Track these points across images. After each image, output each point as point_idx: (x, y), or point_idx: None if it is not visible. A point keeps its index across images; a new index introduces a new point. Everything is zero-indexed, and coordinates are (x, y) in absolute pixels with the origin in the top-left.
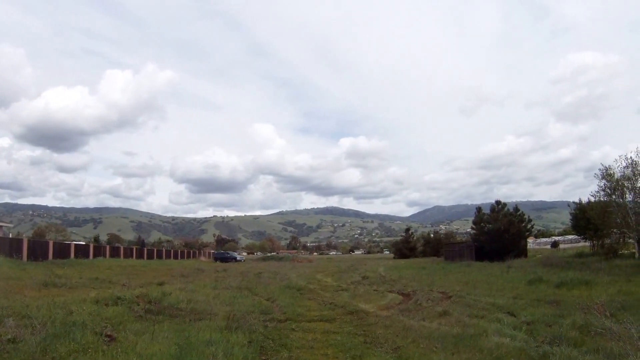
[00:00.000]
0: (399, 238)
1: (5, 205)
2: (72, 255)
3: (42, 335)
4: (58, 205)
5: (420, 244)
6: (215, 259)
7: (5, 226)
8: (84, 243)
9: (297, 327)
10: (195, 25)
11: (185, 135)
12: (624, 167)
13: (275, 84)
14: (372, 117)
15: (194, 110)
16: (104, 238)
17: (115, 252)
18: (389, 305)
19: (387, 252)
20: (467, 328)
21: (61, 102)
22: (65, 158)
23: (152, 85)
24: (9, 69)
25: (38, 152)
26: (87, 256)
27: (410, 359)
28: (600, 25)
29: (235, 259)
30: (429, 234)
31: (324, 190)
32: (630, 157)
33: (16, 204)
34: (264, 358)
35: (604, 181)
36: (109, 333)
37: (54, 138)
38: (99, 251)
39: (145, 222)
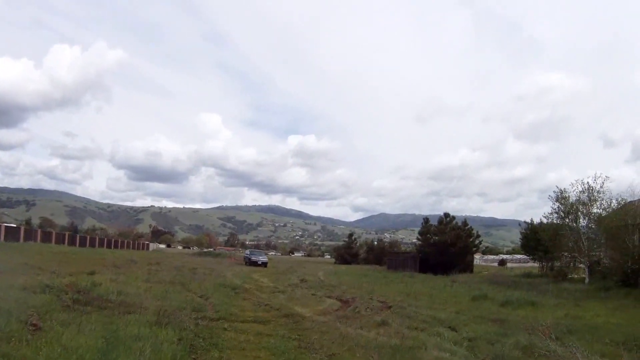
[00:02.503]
0: (341, 243)
1: None
2: (2, 237)
3: None
4: None
5: (363, 250)
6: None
7: None
8: (14, 225)
9: (229, 327)
10: (152, 5)
11: (130, 119)
12: (580, 192)
13: (228, 75)
14: (325, 116)
15: (141, 94)
16: (36, 222)
17: (47, 237)
18: (327, 311)
19: (328, 257)
20: (406, 340)
21: (4, 73)
22: (2, 134)
23: (100, 64)
24: None
25: None
26: (18, 239)
27: None
28: (569, 47)
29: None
30: (372, 241)
31: (267, 187)
32: (587, 183)
33: None
34: (193, 357)
35: (558, 204)
36: (34, 322)
37: None
38: (30, 235)
39: (80, 208)
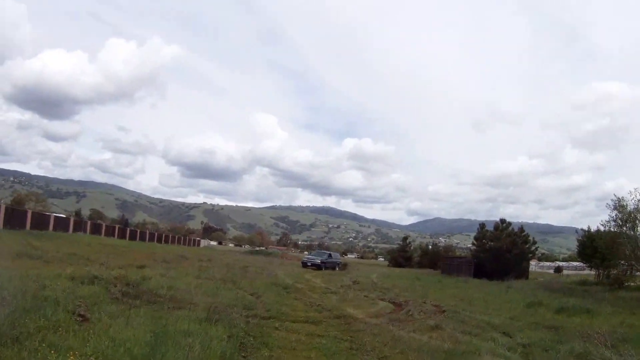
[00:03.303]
0: (395, 246)
1: None
2: (51, 227)
3: (11, 307)
4: (41, 174)
5: (417, 254)
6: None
7: None
8: (64, 216)
9: (280, 326)
10: (209, 1)
11: (183, 116)
12: (638, 200)
13: (284, 74)
14: (381, 120)
15: (196, 91)
16: (86, 213)
17: (96, 229)
18: (379, 313)
19: (382, 259)
20: (460, 344)
21: (58, 65)
22: (55, 125)
23: (155, 60)
24: (7, 25)
25: (27, 115)
26: (67, 230)
27: None
28: (630, 56)
29: (338, 264)
30: (427, 245)
31: (321, 189)
32: None
33: None
34: (243, 355)
35: (615, 212)
36: (82, 312)
37: (46, 103)
38: (79, 226)
39: (130, 201)
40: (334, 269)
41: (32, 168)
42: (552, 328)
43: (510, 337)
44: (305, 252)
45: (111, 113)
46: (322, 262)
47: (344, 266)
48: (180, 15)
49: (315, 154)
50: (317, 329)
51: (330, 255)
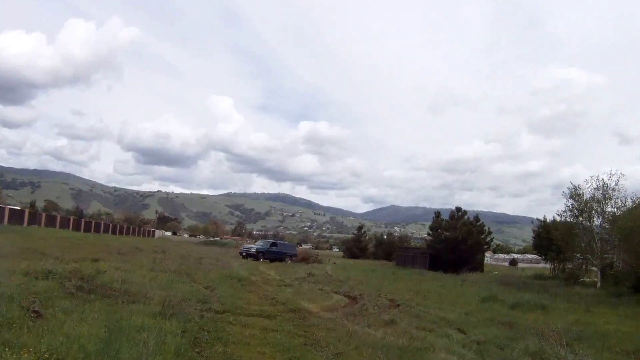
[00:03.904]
0: (350, 235)
1: None
2: (6, 220)
3: None
4: None
5: (372, 244)
6: (262, 254)
7: None
8: (19, 208)
9: (234, 320)
10: None
11: (140, 100)
12: (595, 189)
13: (242, 57)
14: (337, 103)
15: (153, 74)
16: (40, 204)
17: (51, 222)
18: (334, 307)
19: (337, 250)
20: (414, 341)
21: (16, 47)
22: (10, 111)
23: (113, 41)
24: None
25: None
26: (22, 223)
27: None
28: (587, 43)
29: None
30: (382, 235)
31: (276, 174)
32: (602, 179)
33: None
34: (197, 350)
35: (571, 201)
36: (36, 309)
37: (1, 87)
38: (34, 219)
39: (85, 191)
40: (281, 260)
41: None
42: (507, 324)
43: (465, 334)
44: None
45: (67, 97)
46: (258, 252)
47: (314, 259)
48: None
49: (271, 137)
50: (272, 323)
51: (274, 245)
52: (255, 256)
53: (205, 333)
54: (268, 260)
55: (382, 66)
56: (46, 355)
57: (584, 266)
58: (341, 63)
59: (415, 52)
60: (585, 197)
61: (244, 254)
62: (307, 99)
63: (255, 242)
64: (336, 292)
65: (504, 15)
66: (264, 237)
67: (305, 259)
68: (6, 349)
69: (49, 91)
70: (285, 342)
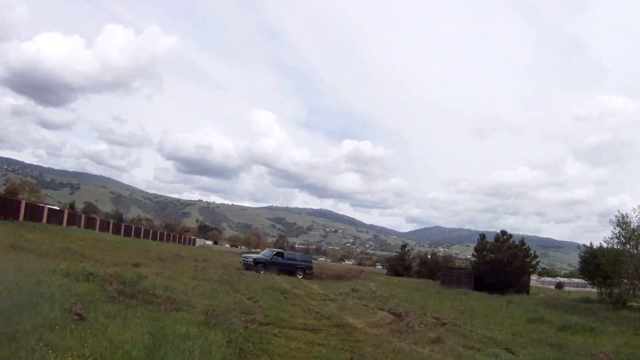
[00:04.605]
0: (393, 253)
1: None
2: (45, 219)
3: (6, 303)
4: (35, 163)
5: (416, 263)
6: (262, 265)
7: None
8: (58, 208)
9: (279, 332)
10: None
11: (180, 110)
12: None
13: (283, 72)
14: (380, 123)
15: (193, 85)
16: (80, 206)
17: (90, 224)
18: (379, 324)
19: (380, 267)
20: (461, 359)
21: (54, 50)
22: (50, 113)
23: (153, 50)
24: (2, 6)
25: (22, 101)
26: (61, 223)
27: None
28: (633, 71)
29: (307, 269)
30: (426, 254)
31: (319, 191)
32: None
33: None
34: None
35: (618, 229)
36: (78, 311)
37: (41, 88)
38: (73, 219)
39: (125, 196)
40: (289, 273)
41: (26, 156)
42: (555, 345)
43: (513, 354)
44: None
45: (107, 102)
46: (256, 262)
47: (354, 275)
48: (180, 6)
49: (313, 154)
50: (317, 337)
51: (279, 255)
52: (255, 267)
53: (250, 344)
54: (260, 272)
55: (427, 88)
56: (90, 359)
57: (631, 291)
58: (385, 83)
59: (460, 76)
60: (632, 226)
61: (242, 263)
62: (349, 117)
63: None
64: (381, 309)
65: (548, 39)
66: (307, 250)
67: (340, 276)
68: (50, 351)
69: (88, 95)
70: (332, 357)
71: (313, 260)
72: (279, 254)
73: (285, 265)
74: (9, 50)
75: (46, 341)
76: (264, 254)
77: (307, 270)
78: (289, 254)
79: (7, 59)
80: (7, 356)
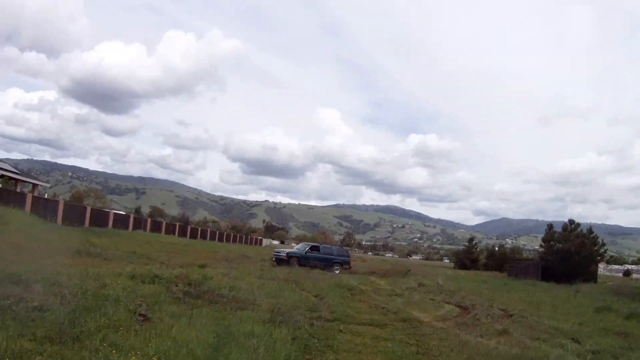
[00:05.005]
0: (461, 247)
1: (44, 163)
2: (110, 224)
3: (71, 306)
4: (100, 170)
5: (483, 256)
6: (296, 259)
7: (42, 185)
8: (123, 213)
9: (345, 328)
10: None
11: (244, 111)
12: None
13: (346, 69)
14: (446, 115)
15: (256, 86)
16: (145, 210)
17: (156, 227)
18: (445, 317)
19: (447, 261)
20: (528, 350)
21: (116, 58)
22: (113, 120)
23: (214, 53)
24: (63, 17)
25: (85, 110)
26: (126, 227)
27: None
28: None
29: (344, 263)
30: (493, 246)
31: (386, 187)
32: None
33: (55, 164)
34: (307, 357)
35: None
36: (143, 312)
37: (104, 97)
38: (139, 224)
39: (191, 199)
40: (326, 268)
41: (90, 163)
42: (622, 334)
43: (579, 344)
44: (369, 254)
45: (170, 107)
46: (289, 257)
47: (403, 272)
48: (239, 9)
49: (379, 150)
50: (383, 332)
51: (315, 248)
52: (287, 261)
53: (316, 341)
54: (294, 265)
55: (489, 77)
56: (154, 359)
57: None
58: (448, 74)
59: (522, 62)
60: None
61: (274, 258)
62: (414, 111)
63: (367, 253)
64: (447, 302)
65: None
66: (374, 247)
67: (385, 273)
68: (113, 351)
69: (151, 101)
70: (397, 351)
71: (351, 254)
72: (314, 248)
73: (321, 259)
74: (71, 61)
75: (110, 341)
76: (298, 247)
77: (344, 265)
78: (326, 248)
79: (69, 69)
80: (71, 356)
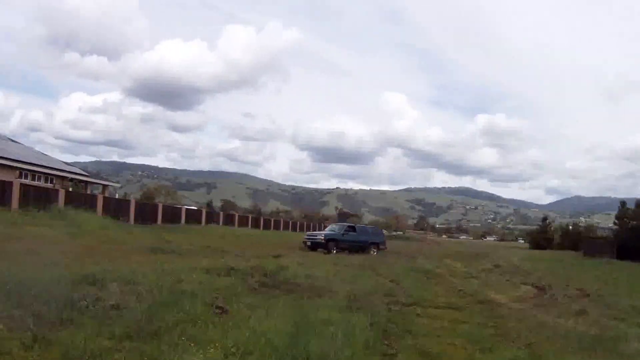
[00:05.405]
0: (534, 227)
1: (113, 164)
2: (183, 220)
3: (148, 302)
4: (169, 167)
5: (557, 235)
6: (334, 243)
7: (112, 186)
8: (195, 208)
9: (422, 312)
10: None
11: (309, 100)
12: None
13: (408, 52)
14: (513, 94)
15: (320, 75)
16: (217, 204)
17: (229, 220)
18: (522, 298)
19: (522, 241)
20: (606, 330)
21: (177, 56)
22: (179, 116)
23: (275, 45)
24: (119, 20)
25: (150, 108)
26: (199, 222)
27: (544, 357)
28: None
29: (380, 244)
30: (567, 225)
31: (456, 168)
32: None
33: (124, 163)
34: (386, 343)
35: None
36: (220, 305)
37: (168, 94)
38: (211, 218)
39: (262, 190)
40: (363, 250)
41: (159, 161)
42: None
43: None
44: (435, 234)
45: (235, 100)
46: (328, 240)
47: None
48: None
49: (447, 131)
50: (460, 315)
51: (351, 229)
52: (325, 246)
53: (394, 326)
54: (332, 250)
55: (555, 52)
56: (233, 350)
57: None
58: (512, 52)
59: (588, 36)
60: None
61: (309, 243)
62: (480, 91)
63: (442, 235)
64: (524, 283)
65: None
66: (447, 230)
67: (461, 255)
68: (192, 345)
69: (216, 96)
70: (475, 334)
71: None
72: (350, 228)
73: (359, 241)
74: (132, 61)
75: (188, 335)
76: (332, 229)
77: (380, 246)
78: (361, 228)
79: (131, 70)
80: (150, 351)
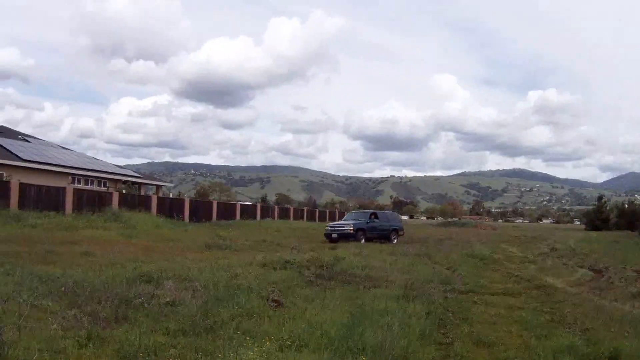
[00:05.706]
0: (590, 207)
1: (166, 164)
2: (238, 216)
3: (203, 298)
4: (222, 164)
5: (613, 214)
6: (362, 232)
7: (166, 186)
8: (250, 203)
9: (479, 300)
10: None
11: (360, 88)
12: None
13: (456, 32)
14: (563, 68)
15: (368, 61)
16: (271, 198)
17: (284, 214)
18: (579, 282)
19: (578, 223)
20: None
21: (224, 54)
22: (229, 114)
23: (321, 34)
24: (163, 23)
25: (200, 108)
26: (254, 217)
27: (600, 343)
28: None
29: (400, 230)
30: (623, 204)
31: (509, 149)
32: None
33: (177, 163)
34: (442, 331)
35: None
36: (275, 298)
37: (217, 93)
38: (266, 212)
39: (316, 182)
40: (387, 238)
41: (212, 159)
42: None
43: None
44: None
45: (285, 94)
46: (356, 230)
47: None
48: None
49: (499, 111)
50: (517, 301)
51: (374, 216)
52: (354, 236)
53: (450, 314)
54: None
55: (604, 26)
56: (288, 342)
57: None
58: (560, 26)
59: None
60: None
61: (334, 235)
62: (530, 67)
63: (498, 220)
64: (580, 266)
65: None
66: (503, 214)
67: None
68: (247, 338)
69: (265, 90)
70: (531, 320)
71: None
72: (373, 216)
73: (383, 229)
74: (179, 63)
75: (243, 329)
76: (354, 217)
77: (399, 232)
78: (382, 214)
79: (179, 71)
80: (205, 346)
